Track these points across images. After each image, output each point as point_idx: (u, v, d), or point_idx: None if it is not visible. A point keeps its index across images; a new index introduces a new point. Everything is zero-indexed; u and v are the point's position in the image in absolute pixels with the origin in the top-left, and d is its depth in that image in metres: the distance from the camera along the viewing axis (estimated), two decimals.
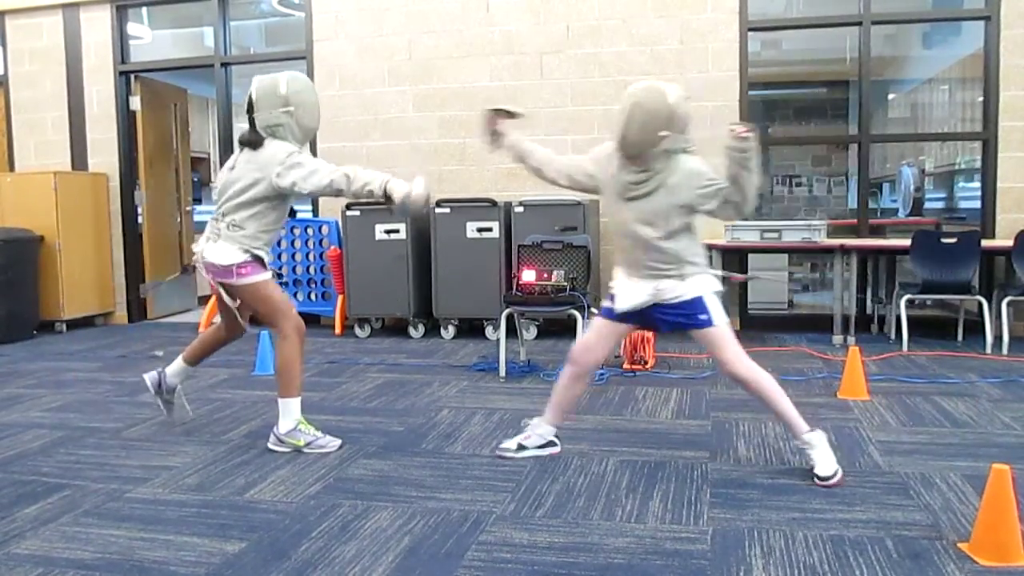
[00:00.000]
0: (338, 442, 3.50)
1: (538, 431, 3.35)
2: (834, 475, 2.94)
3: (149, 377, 3.83)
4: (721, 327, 3.02)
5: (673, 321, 3.07)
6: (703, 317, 3.02)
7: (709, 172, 2.95)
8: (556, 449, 3.35)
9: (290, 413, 3.46)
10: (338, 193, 3.36)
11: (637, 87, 2.93)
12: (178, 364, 3.81)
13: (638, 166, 2.95)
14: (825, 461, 2.99)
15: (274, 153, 3.31)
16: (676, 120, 2.88)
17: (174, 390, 3.87)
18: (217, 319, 3.74)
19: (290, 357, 3.43)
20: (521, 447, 3.33)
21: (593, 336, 3.22)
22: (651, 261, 3.03)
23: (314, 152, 7.09)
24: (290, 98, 3.32)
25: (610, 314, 3.16)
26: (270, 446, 3.48)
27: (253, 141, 3.36)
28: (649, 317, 3.12)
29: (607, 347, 3.24)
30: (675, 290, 3.02)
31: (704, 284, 3.05)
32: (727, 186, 2.85)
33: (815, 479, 2.95)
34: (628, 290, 3.10)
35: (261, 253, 3.41)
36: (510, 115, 3.22)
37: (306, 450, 3.43)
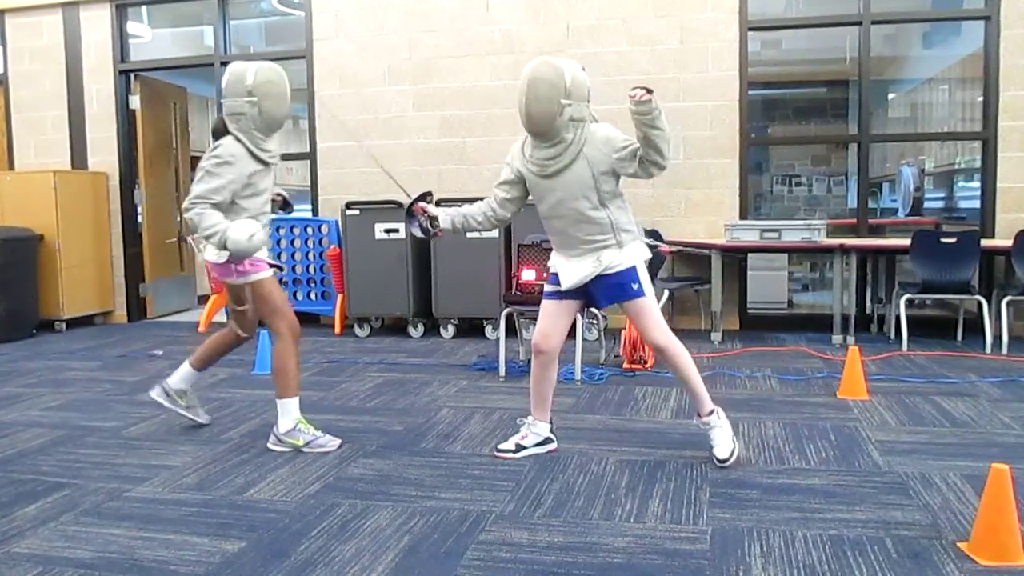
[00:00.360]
0: (337, 441, 3.50)
1: (533, 429, 3.37)
2: (731, 456, 3.10)
3: (156, 393, 3.79)
4: (649, 297, 3.13)
5: (610, 295, 3.15)
6: (635, 287, 3.10)
7: (621, 136, 3.03)
8: (553, 446, 3.36)
9: (289, 413, 3.47)
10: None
11: (530, 65, 3.03)
12: (185, 369, 3.79)
13: (549, 140, 3.01)
14: (724, 443, 3.13)
15: (211, 150, 3.32)
16: (576, 88, 2.99)
17: (185, 393, 3.83)
18: (218, 319, 3.71)
19: (285, 358, 3.46)
20: (519, 447, 3.34)
21: (547, 322, 3.25)
22: (587, 235, 3.09)
23: (314, 152, 7.11)
24: (255, 88, 3.30)
25: (555, 295, 3.23)
26: (270, 446, 3.48)
27: (216, 130, 3.39)
28: (589, 292, 3.18)
29: (563, 327, 3.27)
30: (615, 258, 3.10)
31: (638, 253, 3.15)
32: (640, 147, 2.92)
33: (715, 461, 3.11)
34: (570, 267, 3.15)
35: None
36: (424, 199, 3.31)
37: (305, 449, 3.43)
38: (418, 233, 3.32)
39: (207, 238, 3.24)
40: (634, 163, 2.96)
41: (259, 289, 3.45)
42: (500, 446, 3.37)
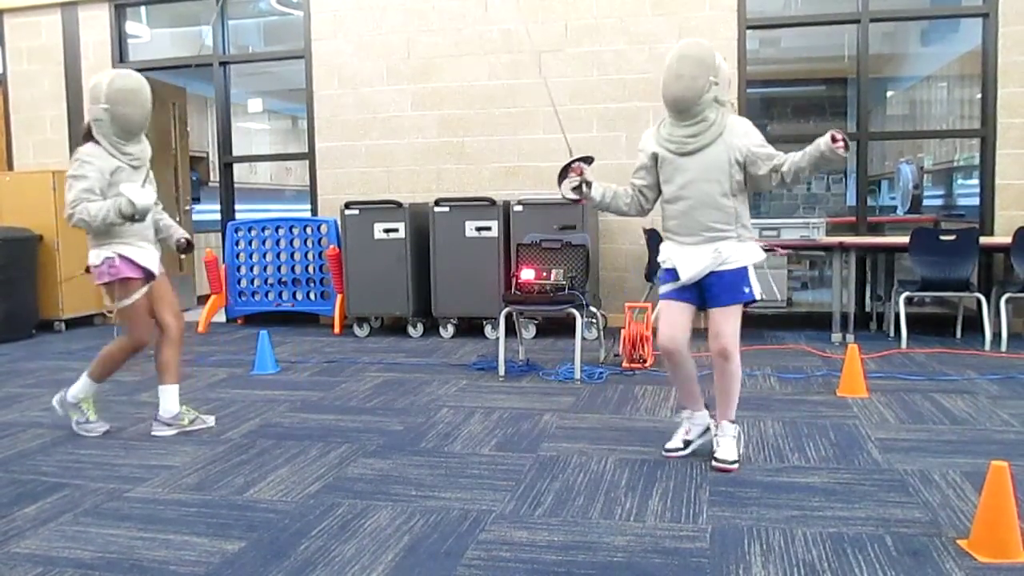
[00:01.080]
0: (103, 428, 3.76)
1: (695, 421, 3.31)
2: (732, 464, 3.07)
3: (159, 427, 3.79)
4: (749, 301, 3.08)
5: (725, 296, 3.06)
6: (747, 290, 3.06)
7: (760, 135, 3.05)
8: (710, 435, 3.28)
9: (84, 389, 3.74)
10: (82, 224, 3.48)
11: (679, 44, 3.04)
12: (162, 393, 3.78)
13: (691, 119, 3.01)
14: (731, 450, 3.12)
15: (76, 153, 3.51)
16: (721, 72, 3.00)
17: (182, 416, 3.80)
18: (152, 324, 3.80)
19: (117, 353, 3.71)
20: (687, 443, 3.28)
21: (669, 324, 3.17)
22: (711, 221, 3.05)
23: (313, 151, 7.10)
24: (109, 96, 3.46)
25: (673, 294, 3.15)
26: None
27: (83, 134, 3.58)
28: (703, 290, 3.10)
29: (686, 325, 3.18)
30: (733, 252, 3.05)
31: (754, 253, 3.11)
32: (786, 165, 2.94)
33: (713, 460, 3.10)
34: (688, 258, 3.09)
35: (123, 249, 3.54)
36: (586, 161, 3.27)
37: (75, 427, 3.75)
38: (567, 192, 3.27)
39: (110, 224, 3.43)
40: (766, 166, 2.98)
41: (125, 290, 3.59)
42: (668, 445, 3.29)
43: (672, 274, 3.16)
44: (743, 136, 3.03)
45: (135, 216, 3.43)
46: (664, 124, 3.14)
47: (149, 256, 3.65)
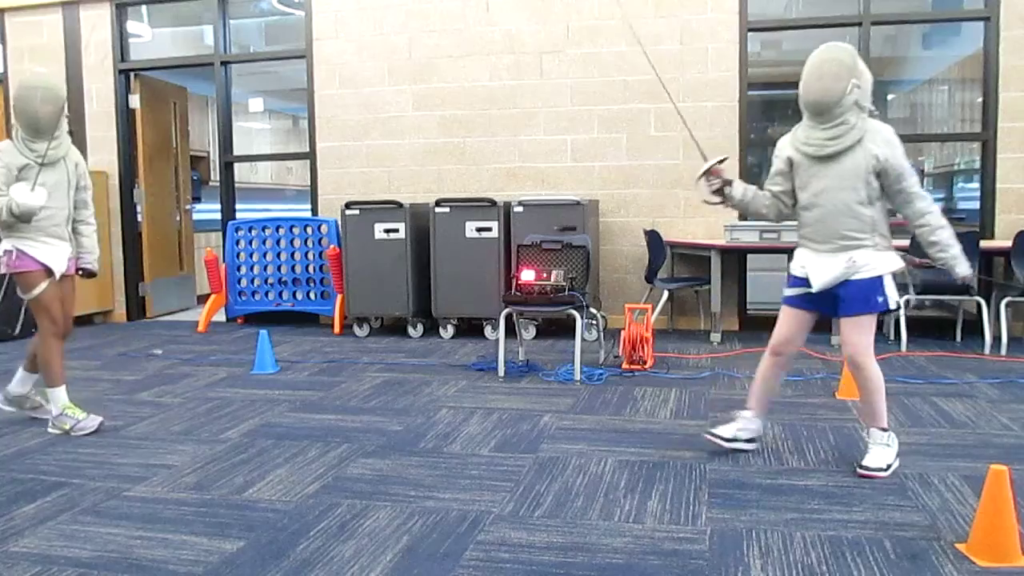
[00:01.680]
0: (98, 420, 3.82)
1: (749, 425, 3.27)
2: (877, 471, 2.98)
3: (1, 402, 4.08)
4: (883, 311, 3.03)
5: (857, 305, 2.98)
6: (881, 299, 2.97)
7: (903, 155, 2.98)
8: (753, 446, 3.27)
9: (56, 400, 3.83)
10: None
11: (822, 46, 3.01)
12: (18, 375, 4.03)
13: (830, 121, 2.94)
14: (878, 457, 3.02)
15: None
16: (863, 76, 2.93)
17: (24, 400, 4.08)
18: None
19: (44, 353, 3.82)
20: (735, 438, 3.25)
21: (788, 328, 3.15)
22: (847, 230, 2.97)
23: (314, 152, 7.11)
24: (15, 95, 3.65)
25: (798, 301, 3.11)
26: (49, 429, 3.82)
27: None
28: (834, 297, 3.02)
29: (803, 333, 3.16)
30: (869, 260, 2.96)
31: (890, 261, 3.02)
32: (932, 235, 2.99)
33: (857, 466, 3.02)
34: (820, 266, 3.03)
35: (22, 244, 3.67)
36: (721, 163, 3.26)
37: (72, 432, 3.76)
38: (708, 196, 3.27)
39: (3, 221, 3.57)
40: (907, 210, 3.00)
41: (25, 282, 3.74)
42: (713, 430, 3.28)
43: (801, 280, 3.10)
44: (884, 145, 2.94)
45: (19, 217, 3.56)
46: (801, 127, 3.08)
47: (52, 253, 3.76)
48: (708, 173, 3.24)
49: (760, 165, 10.24)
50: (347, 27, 6.98)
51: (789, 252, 3.31)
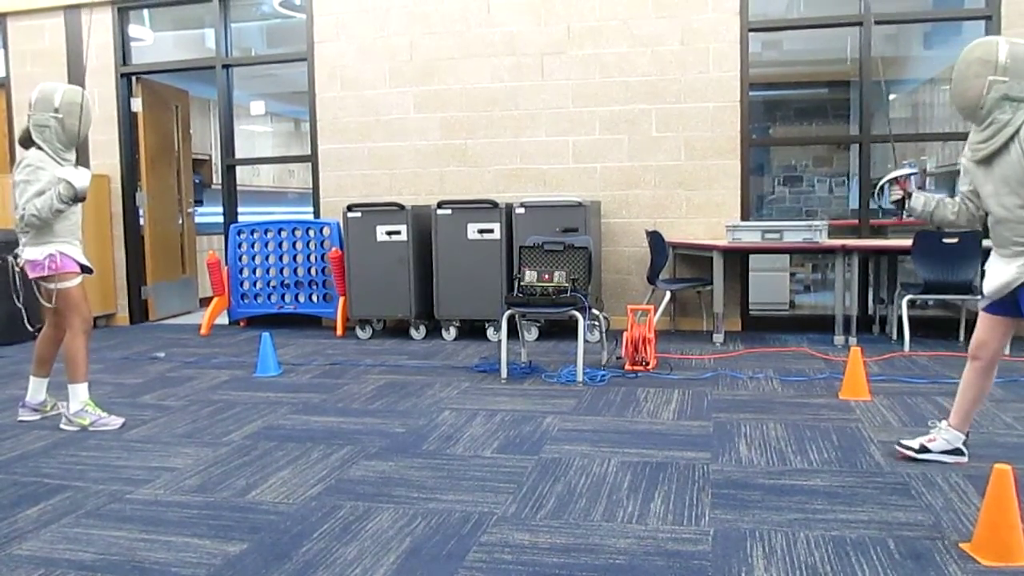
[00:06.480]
0: (120, 420, 3.94)
1: (944, 435, 3.16)
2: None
3: (24, 415, 4.15)
4: None
5: None
6: None
7: None
8: (963, 459, 3.13)
9: (77, 396, 3.91)
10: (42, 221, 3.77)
11: (968, 46, 2.90)
12: (33, 383, 4.15)
13: (980, 122, 2.84)
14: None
15: (20, 162, 3.78)
16: (1015, 64, 2.76)
17: (45, 403, 4.19)
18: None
19: (75, 349, 3.91)
20: (924, 448, 3.15)
21: (983, 331, 3.04)
22: (1016, 236, 2.82)
23: (316, 154, 7.12)
24: (61, 107, 3.79)
25: (988, 305, 3.00)
26: (62, 425, 3.92)
27: (22, 140, 3.86)
28: (1018, 302, 2.90)
29: (1001, 336, 3.04)
30: None
31: None
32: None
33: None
34: (994, 270, 2.93)
35: (63, 248, 3.84)
36: (909, 176, 3.25)
37: (91, 428, 3.87)
38: (889, 204, 3.28)
39: (56, 211, 3.71)
40: None
41: (63, 282, 3.85)
42: (904, 441, 3.22)
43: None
44: None
45: (77, 197, 3.73)
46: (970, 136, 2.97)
47: (81, 253, 3.97)
48: (893, 181, 3.21)
49: (762, 166, 10.28)
50: (348, 29, 6.98)
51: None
